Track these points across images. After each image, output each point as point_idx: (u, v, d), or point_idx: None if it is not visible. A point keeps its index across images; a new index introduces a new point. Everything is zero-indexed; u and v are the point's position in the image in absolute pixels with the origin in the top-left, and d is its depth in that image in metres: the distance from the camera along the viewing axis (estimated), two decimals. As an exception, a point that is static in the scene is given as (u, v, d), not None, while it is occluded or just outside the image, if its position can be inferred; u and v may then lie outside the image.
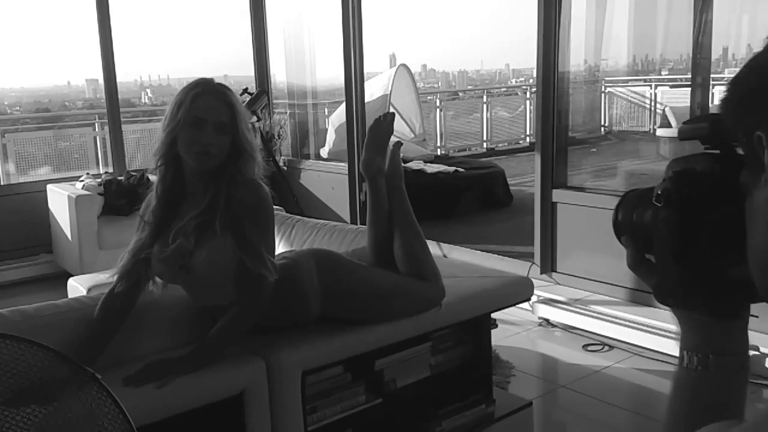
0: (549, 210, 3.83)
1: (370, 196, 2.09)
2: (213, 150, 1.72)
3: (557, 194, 3.80)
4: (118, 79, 5.43)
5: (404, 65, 6.89)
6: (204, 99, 1.72)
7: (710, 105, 4.01)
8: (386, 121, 2.06)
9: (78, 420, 0.88)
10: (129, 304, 1.77)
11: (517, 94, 12.46)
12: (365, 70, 5.20)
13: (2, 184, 6.32)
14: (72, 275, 4.52)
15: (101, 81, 5.40)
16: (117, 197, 4.74)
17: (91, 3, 5.14)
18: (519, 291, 2.30)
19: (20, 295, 4.33)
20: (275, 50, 5.97)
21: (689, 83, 4.00)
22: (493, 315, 2.37)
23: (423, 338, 2.15)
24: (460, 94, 13.15)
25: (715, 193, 0.57)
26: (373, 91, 6.16)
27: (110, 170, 5.35)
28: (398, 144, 2.13)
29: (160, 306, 1.87)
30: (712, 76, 10.25)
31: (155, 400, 1.61)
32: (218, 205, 1.72)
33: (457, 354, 2.23)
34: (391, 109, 6.66)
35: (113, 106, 5.35)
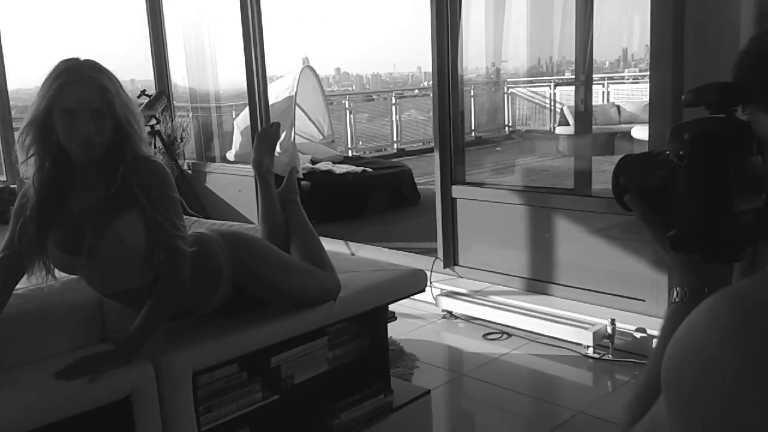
0: (449, 206, 3.94)
1: (261, 193, 2.23)
2: (95, 138, 1.67)
3: (456, 190, 3.92)
4: (15, 86, 5.20)
5: (309, 66, 6.90)
6: (72, 89, 1.65)
7: (594, 101, 4.25)
8: (272, 128, 2.33)
9: None
10: (5, 294, 1.73)
11: (429, 95, 12.69)
12: (276, 73, 5.20)
13: None
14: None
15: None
16: (9, 205, 4.52)
17: None
18: (412, 283, 2.36)
19: None
20: (175, 53, 5.85)
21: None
22: (396, 308, 2.42)
23: (319, 333, 2.18)
24: (374, 96, 13.28)
25: (731, 150, 0.65)
26: (278, 93, 6.13)
27: (3, 178, 5.10)
28: (294, 169, 2.40)
29: (67, 306, 1.84)
30: (608, 75, 10.74)
31: (38, 403, 1.57)
32: (117, 187, 1.68)
33: (354, 347, 2.27)
34: (299, 111, 6.66)
35: (4, 111, 5.10)
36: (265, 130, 2.30)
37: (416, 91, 14.20)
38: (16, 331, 1.79)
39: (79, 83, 1.65)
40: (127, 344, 1.74)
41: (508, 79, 8.67)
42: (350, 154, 8.59)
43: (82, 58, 1.73)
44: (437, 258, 4.01)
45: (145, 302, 1.78)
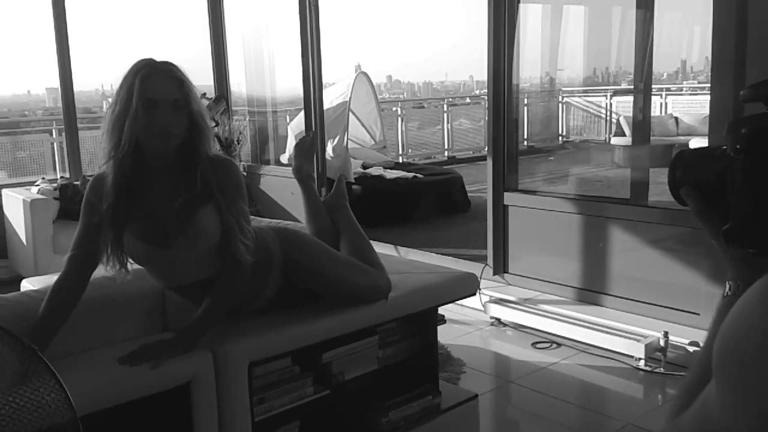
0: (501, 213, 3.94)
1: (304, 196, 2.34)
2: (173, 129, 1.75)
3: (509, 197, 3.91)
4: (78, 88, 5.41)
5: (364, 73, 6.98)
6: (153, 79, 1.73)
7: (652, 112, 4.19)
8: (310, 138, 2.51)
9: (21, 403, 0.93)
10: (80, 293, 1.81)
11: (480, 104, 12.67)
12: (330, 80, 5.29)
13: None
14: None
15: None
16: (73, 202, 4.72)
17: (48, 12, 5.11)
18: (463, 286, 2.38)
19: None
20: (235, 60, 6.01)
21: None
22: (445, 313, 2.45)
23: (370, 332, 2.21)
24: (425, 104, 13.30)
25: None
26: (332, 98, 6.23)
27: (66, 175, 5.32)
28: (343, 176, 2.50)
29: (133, 295, 1.93)
30: (666, 86, 10.53)
31: (104, 386, 1.65)
32: (195, 184, 1.77)
33: (404, 347, 2.30)
34: (352, 117, 6.74)
35: (69, 112, 5.32)
36: (303, 141, 2.43)
37: (467, 99, 14.14)
38: (84, 317, 1.88)
39: (160, 75, 1.74)
40: (188, 333, 1.81)
41: (563, 89, 8.58)
42: (400, 161, 8.64)
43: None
44: (487, 265, 4.01)
45: (205, 295, 1.86)
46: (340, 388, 2.14)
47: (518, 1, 3.91)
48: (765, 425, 0.48)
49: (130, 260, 1.89)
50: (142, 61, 1.79)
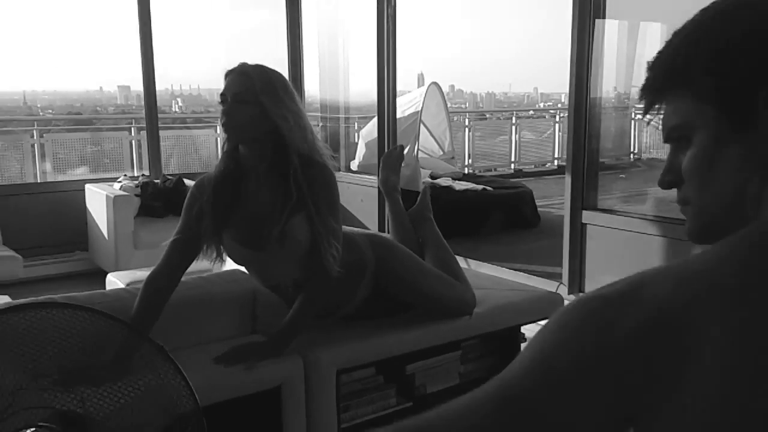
0: (578, 231, 3.86)
1: (390, 207, 2.39)
2: (235, 121, 1.80)
3: (587, 216, 3.84)
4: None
5: (435, 83, 6.98)
6: (228, 78, 1.82)
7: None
8: (397, 151, 2.49)
9: (149, 392, 0.96)
10: (174, 284, 1.85)
11: (545, 117, 12.52)
12: (396, 88, 5.31)
13: (39, 181, 6.51)
14: (107, 272, 4.66)
15: (133, 88, 5.57)
16: (153, 199, 4.87)
17: (132, 14, 5.30)
18: (548, 306, 2.34)
19: (57, 289, 4.44)
20: (310, 64, 6.10)
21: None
22: (523, 329, 2.41)
23: (453, 347, 2.20)
24: (487, 115, 13.21)
25: None
26: (404, 108, 6.25)
27: (146, 173, 5.49)
28: (428, 188, 2.54)
29: (225, 297, 1.97)
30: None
31: (201, 385, 1.68)
32: (290, 190, 1.81)
33: (485, 364, 2.28)
34: (421, 126, 6.74)
35: (152, 112, 5.49)
36: (391, 152, 2.46)
37: (531, 112, 13.98)
38: (178, 316, 1.93)
39: (233, 75, 1.82)
40: (279, 337, 1.84)
41: (637, 105, 8.39)
42: (466, 171, 8.60)
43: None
44: (561, 283, 3.94)
45: (297, 294, 1.89)
46: (421, 401, 2.14)
47: (598, 17, 3.84)
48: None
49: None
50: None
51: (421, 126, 6.64)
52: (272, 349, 1.82)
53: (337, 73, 6.19)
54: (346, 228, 2.22)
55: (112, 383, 0.98)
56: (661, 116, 0.65)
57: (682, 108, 0.62)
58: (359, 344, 1.97)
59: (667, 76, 0.63)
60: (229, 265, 2.04)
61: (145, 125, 5.56)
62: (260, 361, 1.78)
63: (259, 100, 1.79)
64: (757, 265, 0.53)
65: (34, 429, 0.89)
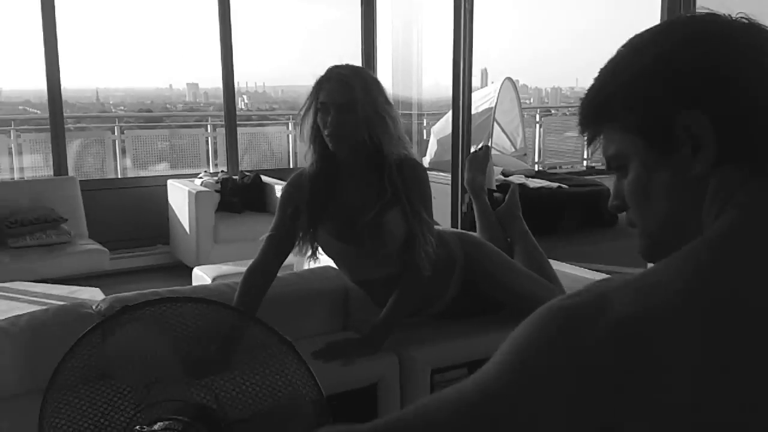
0: (664, 231, 3.73)
1: (477, 207, 2.38)
2: (339, 131, 1.81)
3: (674, 215, 3.70)
4: (218, 84, 5.69)
5: (509, 78, 6.88)
6: (326, 85, 1.82)
7: None
8: (482, 151, 2.50)
9: (278, 384, 0.96)
10: (270, 279, 1.88)
11: None
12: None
13: (119, 177, 6.76)
14: (187, 266, 4.79)
15: (201, 85, 5.68)
16: (232, 195, 4.98)
17: (210, 13, 5.42)
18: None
19: (142, 281, 4.60)
20: (382, 61, 6.11)
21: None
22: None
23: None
24: (552, 111, 12.94)
25: None
26: (477, 104, 6.18)
27: (224, 169, 5.61)
28: (516, 186, 2.53)
29: (318, 293, 1.99)
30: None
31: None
32: (385, 187, 1.83)
33: (579, 367, 2.22)
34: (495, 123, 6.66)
35: (230, 109, 5.61)
36: (476, 153, 2.47)
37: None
38: (272, 312, 1.95)
39: (332, 81, 1.82)
40: (375, 334, 1.85)
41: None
42: (536, 169, 8.45)
43: (344, 62, 1.90)
44: (645, 284, 3.81)
45: (390, 293, 1.89)
46: (513, 403, 2.10)
47: (688, 10, 3.70)
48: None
49: (319, 251, 1.96)
50: (331, 66, 1.88)
51: (495, 122, 6.56)
52: (368, 346, 1.83)
53: (410, 69, 6.17)
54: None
55: (241, 375, 0.99)
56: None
57: (615, 139, 0.66)
58: (453, 344, 1.95)
59: (595, 112, 0.67)
60: (323, 262, 2.06)
61: (220, 122, 5.70)
62: (357, 357, 1.78)
63: (362, 110, 1.81)
64: (697, 287, 0.56)
65: (167, 422, 0.91)
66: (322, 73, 1.87)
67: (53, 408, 0.96)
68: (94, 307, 1.72)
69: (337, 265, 2.02)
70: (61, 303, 2.23)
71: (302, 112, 1.88)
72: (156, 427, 0.87)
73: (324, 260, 2.07)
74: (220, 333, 0.99)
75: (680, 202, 0.64)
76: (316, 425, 0.96)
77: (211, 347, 1.00)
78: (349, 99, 1.80)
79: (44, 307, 1.77)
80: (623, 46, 0.67)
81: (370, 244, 1.86)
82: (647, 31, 0.66)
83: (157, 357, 0.93)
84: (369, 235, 1.85)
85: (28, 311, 1.72)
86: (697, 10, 0.67)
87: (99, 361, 0.94)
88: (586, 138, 0.70)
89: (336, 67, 1.88)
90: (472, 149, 2.63)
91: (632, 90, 0.64)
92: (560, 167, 9.69)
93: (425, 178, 1.93)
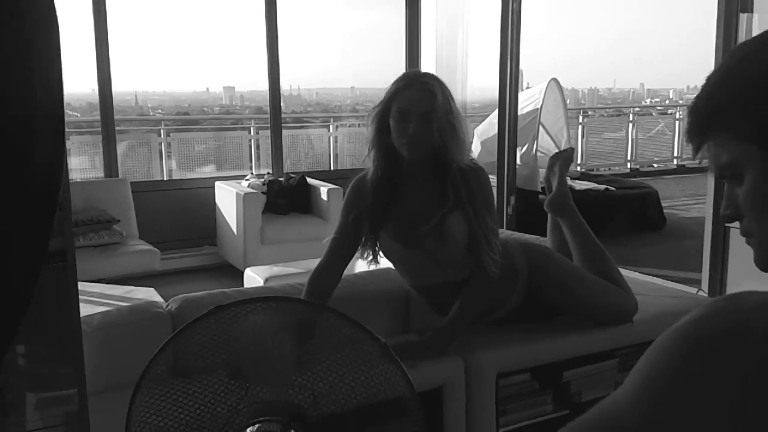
0: (721, 234, 3.64)
1: (565, 225, 2.25)
2: (419, 140, 1.80)
3: (732, 218, 3.61)
4: (251, 88, 5.72)
5: (555, 79, 6.79)
6: (408, 92, 1.80)
7: None
8: (567, 153, 2.39)
9: (372, 382, 0.97)
10: (336, 280, 1.89)
11: (651, 114, 12.00)
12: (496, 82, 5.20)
13: (169, 179, 6.86)
14: (235, 267, 4.84)
15: (238, 89, 5.74)
16: (278, 197, 5.01)
17: (257, 18, 5.47)
18: (713, 314, 2.20)
19: (193, 281, 4.66)
20: (428, 61, 6.09)
21: None
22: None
23: (609, 355, 2.12)
24: (590, 112, 12.78)
25: None
26: (522, 105, 6.12)
27: (270, 171, 5.66)
28: (563, 171, 2.33)
29: (380, 295, 1.99)
30: None
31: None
32: (447, 192, 1.81)
33: (644, 373, 2.17)
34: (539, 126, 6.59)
35: (276, 112, 5.66)
36: (559, 153, 2.39)
37: (636, 109, 13.39)
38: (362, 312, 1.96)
39: (414, 88, 1.81)
40: (440, 336, 1.84)
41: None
42: (579, 171, 8.34)
43: (423, 69, 1.90)
44: (700, 290, 3.72)
45: (450, 299, 1.87)
46: (577, 409, 2.06)
47: (744, 11, 3.61)
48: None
49: (381, 255, 1.95)
50: (406, 73, 1.89)
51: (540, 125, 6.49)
52: (433, 349, 1.82)
53: (455, 70, 6.14)
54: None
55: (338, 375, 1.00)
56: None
57: (727, 148, 0.64)
58: (518, 348, 1.93)
59: (707, 121, 0.65)
60: (383, 264, 2.05)
61: (262, 125, 5.74)
62: (422, 360, 1.77)
63: (438, 118, 1.80)
64: None
65: (264, 423, 0.91)
66: (396, 77, 1.86)
67: (143, 401, 0.97)
68: (165, 306, 1.74)
69: (397, 269, 2.01)
70: (127, 303, 2.27)
71: (374, 115, 1.87)
72: (255, 428, 0.87)
73: (384, 263, 2.07)
74: (314, 331, 0.99)
75: None
76: (408, 424, 0.95)
77: (307, 345, 1.01)
78: (431, 108, 1.79)
79: (115, 307, 1.80)
80: (729, 56, 0.66)
81: (433, 249, 1.85)
82: (752, 40, 0.65)
83: (259, 354, 0.94)
84: (432, 240, 1.84)
85: (99, 311, 1.75)
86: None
87: (205, 353, 0.95)
88: (692, 146, 0.68)
89: (414, 73, 1.89)
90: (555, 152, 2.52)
91: (747, 98, 0.62)
92: (598, 169, 9.56)
93: (488, 184, 1.91)
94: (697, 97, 0.67)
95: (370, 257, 1.94)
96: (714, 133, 0.65)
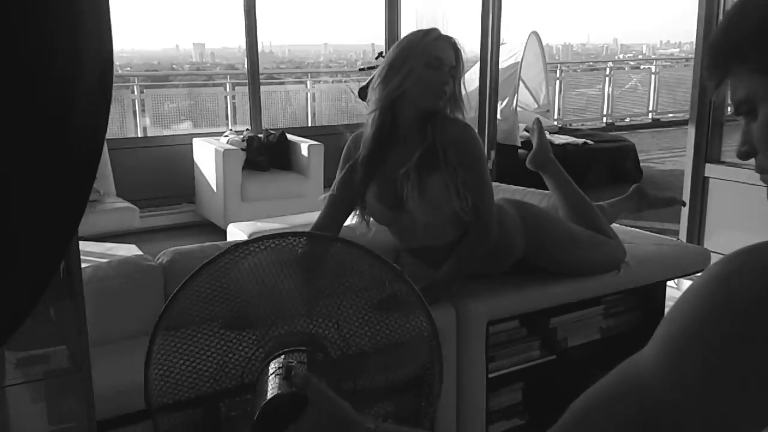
0: (700, 185, 3.70)
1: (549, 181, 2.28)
2: (448, 90, 1.79)
3: (710, 169, 3.66)
4: (223, 45, 5.60)
5: (535, 33, 6.75)
6: (440, 42, 1.79)
7: None
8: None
9: (399, 321, 0.97)
10: (338, 226, 1.89)
11: (625, 69, 12.06)
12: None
13: (145, 135, 6.74)
14: (215, 224, 4.81)
15: (208, 46, 5.62)
16: (258, 153, 4.96)
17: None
18: (696, 261, 2.26)
19: (171, 239, 4.62)
20: (407, 19, 6.00)
21: None
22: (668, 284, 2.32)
23: (596, 302, 2.16)
24: (563, 67, 12.79)
25: None
26: (503, 58, 6.08)
27: (248, 128, 5.58)
28: (539, 122, 2.38)
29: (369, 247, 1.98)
30: None
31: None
32: (437, 143, 1.79)
33: (628, 319, 2.23)
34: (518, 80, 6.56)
35: (254, 70, 5.54)
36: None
37: (610, 63, 13.42)
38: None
39: (446, 41, 1.81)
40: (434, 287, 1.83)
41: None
42: (558, 125, 8.36)
43: (403, 25, 1.87)
44: (678, 239, 3.79)
45: (441, 262, 1.87)
46: (564, 355, 2.11)
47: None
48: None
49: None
50: (430, 28, 1.84)
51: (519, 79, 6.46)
52: (428, 296, 1.82)
53: (435, 25, 6.06)
54: (497, 197, 2.16)
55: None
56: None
57: (744, 82, 0.64)
58: (508, 297, 1.95)
59: (723, 56, 0.65)
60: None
61: (241, 81, 5.63)
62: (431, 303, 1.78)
63: (458, 78, 1.81)
64: None
65: (287, 351, 0.89)
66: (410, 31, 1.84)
67: (164, 344, 0.95)
68: (156, 259, 1.73)
69: (389, 231, 1.97)
70: (108, 260, 2.24)
71: (393, 62, 1.79)
72: (281, 359, 0.84)
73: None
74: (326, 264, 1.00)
75: None
76: (429, 363, 0.96)
77: (332, 280, 1.01)
78: (458, 63, 1.80)
79: (104, 261, 1.78)
80: None
81: (415, 208, 1.80)
82: None
83: (281, 290, 0.93)
84: (413, 200, 1.79)
85: (86, 267, 1.73)
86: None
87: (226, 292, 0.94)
88: (713, 83, 0.68)
89: (436, 28, 1.84)
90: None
91: (763, 31, 0.62)
92: (571, 124, 9.59)
93: (477, 143, 1.86)
94: (714, 33, 0.67)
95: (362, 217, 1.91)
96: (731, 68, 0.65)
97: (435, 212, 1.82)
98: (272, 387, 0.78)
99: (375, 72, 1.85)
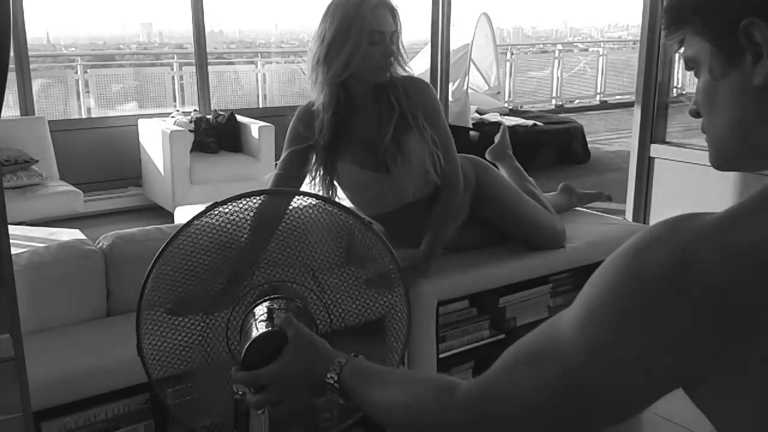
0: (645, 165, 3.78)
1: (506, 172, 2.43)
2: (392, 61, 1.76)
3: (655, 149, 3.75)
4: (171, 25, 5.48)
5: (485, 14, 6.77)
6: (378, 10, 1.71)
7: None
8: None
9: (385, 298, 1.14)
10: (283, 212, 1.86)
11: (573, 51, 12.26)
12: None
13: (89, 117, 6.54)
14: (162, 208, 4.70)
15: (155, 25, 5.52)
16: (206, 135, 4.86)
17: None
18: (640, 239, 2.30)
19: (117, 223, 4.50)
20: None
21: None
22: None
23: (544, 281, 2.19)
24: (514, 51, 12.94)
25: None
26: (453, 39, 6.09)
27: (196, 108, 5.46)
28: (506, 127, 2.63)
29: (323, 228, 1.97)
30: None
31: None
32: (405, 111, 1.78)
33: (574, 297, 2.26)
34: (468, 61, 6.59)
35: (201, 50, 5.42)
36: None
37: (559, 46, 13.62)
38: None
39: (382, 6, 1.72)
40: (425, 258, 1.87)
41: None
42: (508, 107, 8.44)
43: None
44: (624, 218, 3.88)
45: (412, 225, 1.89)
46: (512, 333, 2.14)
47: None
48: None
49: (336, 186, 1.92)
50: None
51: (467, 60, 6.48)
52: (419, 270, 1.84)
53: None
54: None
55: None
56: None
57: (691, 42, 0.66)
58: (458, 277, 1.96)
59: (672, 17, 0.67)
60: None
61: (189, 62, 5.50)
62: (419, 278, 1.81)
63: (399, 40, 1.76)
64: None
65: (269, 298, 0.97)
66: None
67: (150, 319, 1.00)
68: (96, 244, 1.68)
69: (357, 201, 1.95)
70: (47, 244, 2.17)
71: (330, 37, 1.72)
72: (265, 304, 0.94)
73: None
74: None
75: (743, 114, 0.62)
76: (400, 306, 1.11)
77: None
78: (396, 27, 1.74)
79: (43, 245, 1.72)
80: None
81: (400, 167, 1.81)
82: None
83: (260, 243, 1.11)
84: (392, 154, 1.80)
85: (23, 251, 1.67)
86: None
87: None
88: (675, 42, 0.70)
89: None
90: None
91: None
92: (521, 106, 9.70)
93: (431, 93, 1.88)
94: None
95: (325, 192, 1.88)
96: (681, 29, 0.67)
97: (412, 164, 1.82)
98: (257, 328, 0.89)
99: (312, 46, 1.78)
